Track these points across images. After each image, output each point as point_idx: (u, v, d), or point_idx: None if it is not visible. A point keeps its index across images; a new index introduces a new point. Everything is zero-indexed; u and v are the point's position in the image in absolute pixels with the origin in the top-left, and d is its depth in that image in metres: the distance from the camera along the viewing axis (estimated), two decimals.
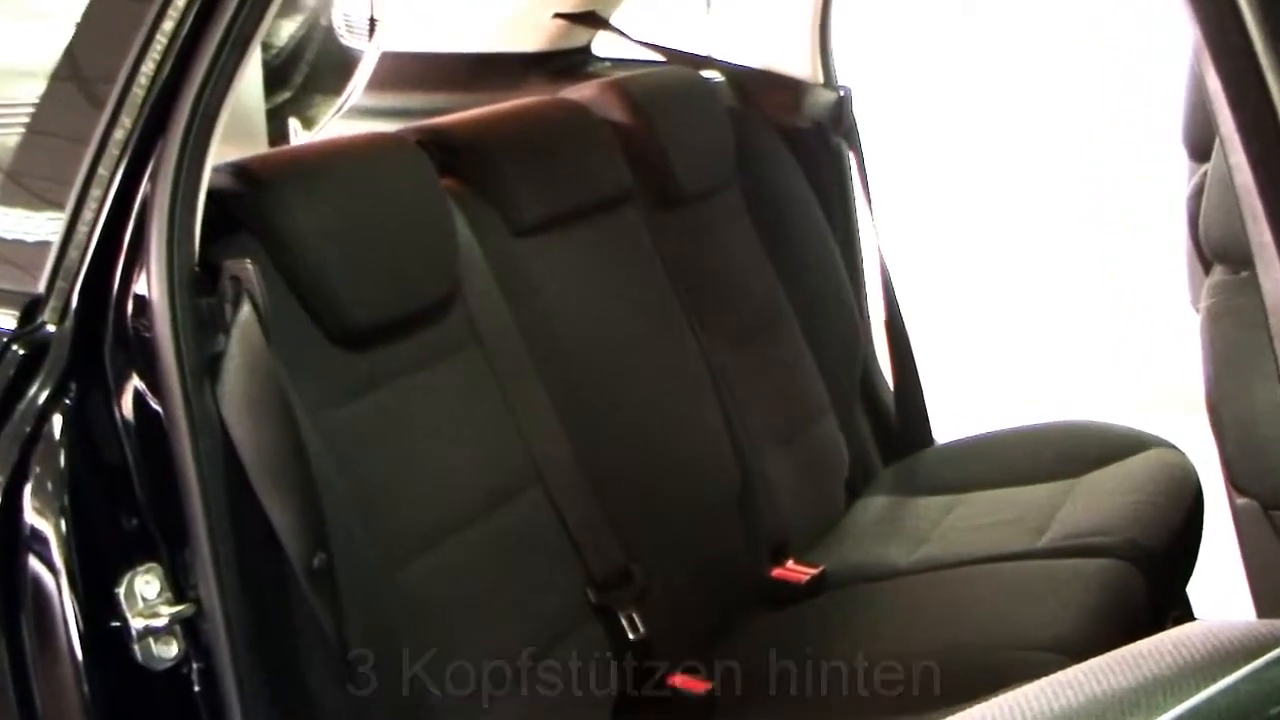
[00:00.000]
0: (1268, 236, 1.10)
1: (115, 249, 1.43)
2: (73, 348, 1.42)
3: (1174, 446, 2.45)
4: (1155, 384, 3.84)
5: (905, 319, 2.71)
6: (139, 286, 1.42)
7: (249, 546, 1.46)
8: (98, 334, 1.43)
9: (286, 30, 2.42)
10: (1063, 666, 0.90)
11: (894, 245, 2.76)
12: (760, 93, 2.69)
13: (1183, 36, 1.17)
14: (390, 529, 1.68)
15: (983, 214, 5.05)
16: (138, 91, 1.42)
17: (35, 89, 1.51)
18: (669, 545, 2.07)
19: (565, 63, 2.83)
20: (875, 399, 2.76)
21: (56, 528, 1.39)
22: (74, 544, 1.40)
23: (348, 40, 2.47)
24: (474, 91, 2.63)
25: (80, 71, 1.49)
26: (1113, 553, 2.12)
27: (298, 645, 1.54)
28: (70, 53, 1.50)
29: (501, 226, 2.03)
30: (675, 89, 2.50)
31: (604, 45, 2.86)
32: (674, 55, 2.71)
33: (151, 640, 1.41)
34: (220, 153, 1.48)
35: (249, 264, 1.47)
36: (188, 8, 1.40)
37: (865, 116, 2.76)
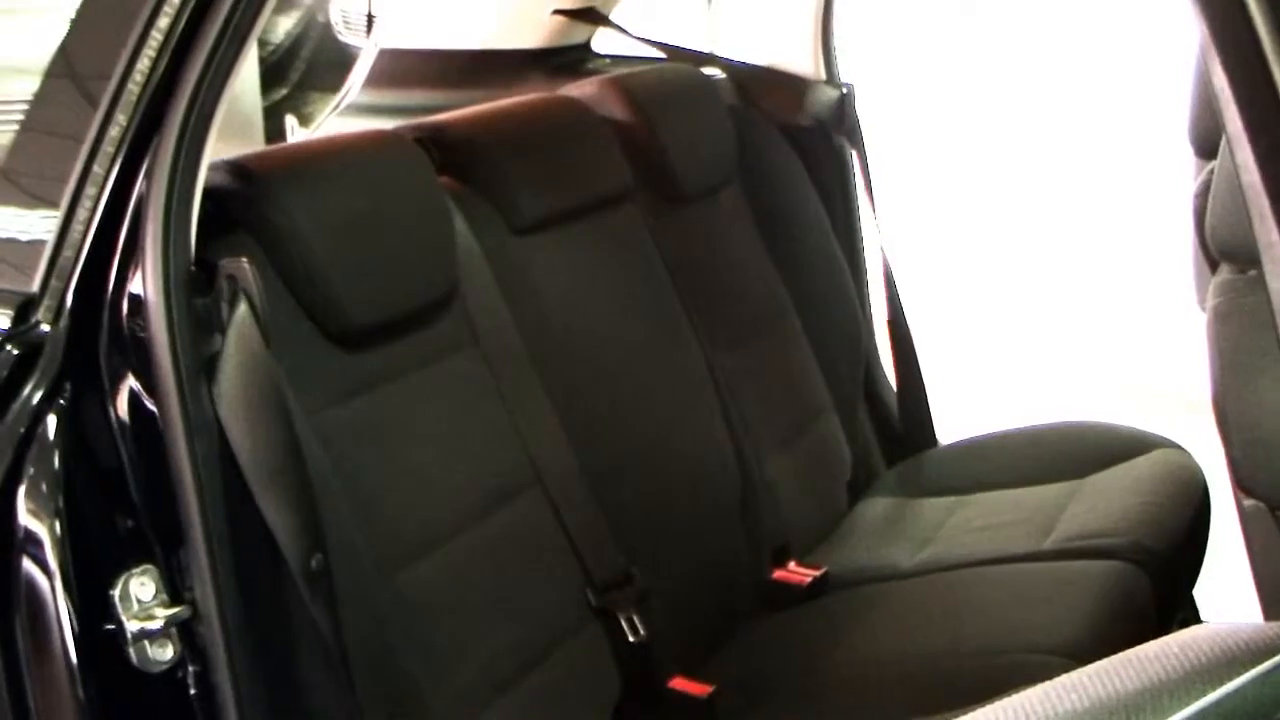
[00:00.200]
0: (1275, 235, 1.10)
1: (110, 248, 1.43)
2: (67, 348, 1.42)
3: (1180, 447, 2.45)
4: (1159, 384, 3.84)
5: (908, 318, 2.71)
6: (134, 286, 1.42)
7: (245, 548, 1.46)
8: (93, 334, 1.43)
9: (283, 27, 2.42)
10: (1068, 669, 0.90)
11: (897, 244, 2.76)
12: (762, 90, 2.69)
13: (1189, 32, 1.17)
14: (388, 530, 1.68)
15: (985, 213, 5.05)
16: (133, 88, 1.42)
17: (29, 86, 1.51)
18: (669, 547, 2.07)
19: (565, 60, 2.83)
20: (878, 399, 2.76)
21: (51, 529, 1.39)
22: (69, 546, 1.40)
23: (345, 37, 2.47)
24: (473, 89, 2.63)
25: (75, 68, 1.49)
26: (1118, 554, 2.12)
27: (294, 648, 1.54)
28: (65, 49, 1.49)
29: (500, 225, 2.03)
30: (676, 86, 2.50)
31: (604, 42, 2.86)
32: (675, 52, 2.71)
33: (147, 643, 1.41)
34: (216, 150, 1.48)
35: (246, 263, 1.47)
36: (183, 4, 1.40)
37: (868, 114, 2.76)
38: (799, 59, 2.74)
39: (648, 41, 2.72)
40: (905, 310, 2.71)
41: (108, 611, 1.41)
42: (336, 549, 1.53)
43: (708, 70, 2.67)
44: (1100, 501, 2.30)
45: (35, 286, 1.43)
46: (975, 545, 2.27)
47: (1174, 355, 3.32)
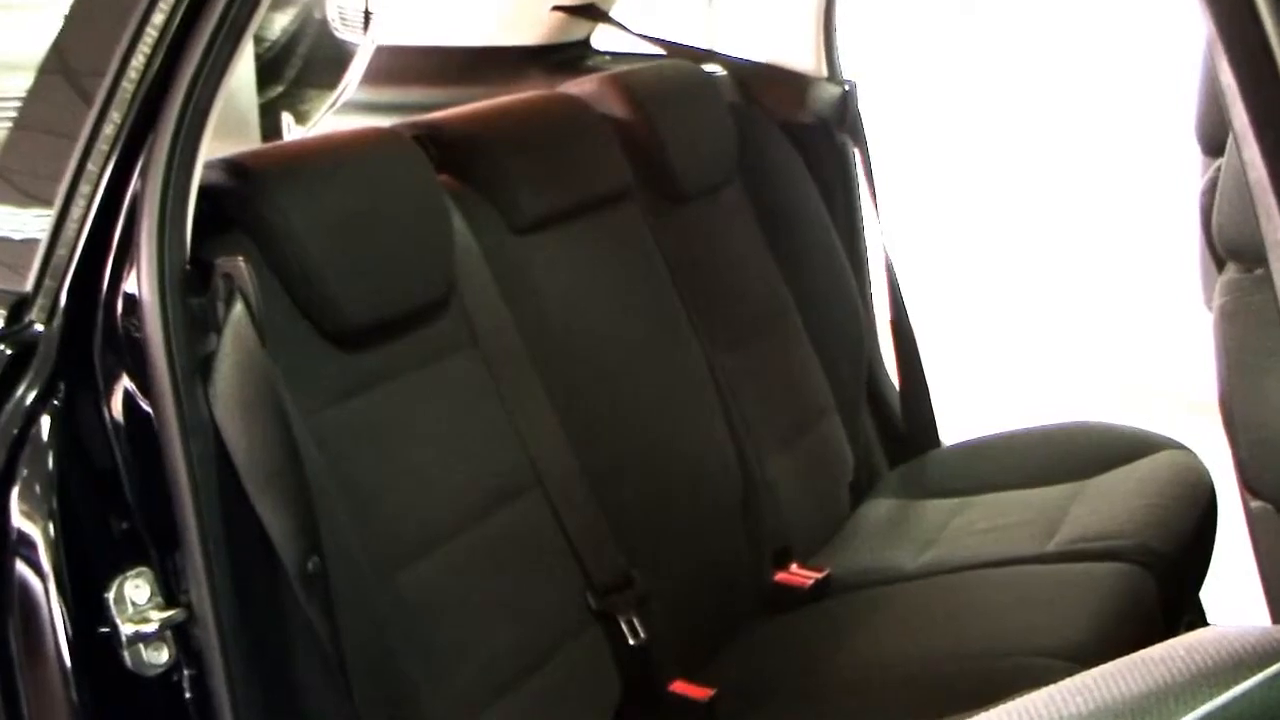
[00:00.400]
0: None
1: (105, 247, 1.43)
2: (61, 347, 1.42)
3: (1185, 448, 2.45)
4: (1164, 384, 3.84)
5: (911, 318, 2.71)
6: (129, 285, 1.42)
7: (241, 550, 1.46)
8: (87, 333, 1.43)
9: (280, 23, 2.43)
10: (1072, 673, 0.90)
11: (900, 243, 2.76)
12: (763, 87, 2.69)
13: (1195, 28, 1.17)
14: (386, 532, 1.68)
15: (989, 211, 5.05)
16: (127, 86, 1.42)
17: (22, 82, 1.51)
18: (670, 549, 2.07)
19: (564, 56, 2.83)
20: (880, 400, 2.76)
21: (45, 531, 1.39)
22: (63, 548, 1.40)
23: (342, 33, 2.47)
24: (471, 86, 2.63)
25: (69, 64, 1.49)
26: (1124, 556, 2.12)
27: (291, 651, 1.54)
28: (59, 45, 1.49)
29: (499, 224, 2.03)
30: (676, 84, 2.50)
31: (604, 39, 2.86)
32: (675, 49, 2.71)
33: (142, 646, 1.41)
34: (212, 148, 1.48)
35: (242, 262, 1.47)
36: (178, 0, 1.40)
37: (871, 113, 2.76)
38: (800, 56, 2.74)
39: (648, 38, 2.72)
40: (908, 309, 2.71)
41: (102, 614, 1.41)
42: (333, 551, 1.52)
43: (708, 67, 2.67)
44: (1105, 503, 2.30)
45: (29, 286, 1.43)
46: (979, 547, 2.27)
47: (1180, 355, 3.32)
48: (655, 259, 2.29)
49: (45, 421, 1.40)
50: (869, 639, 2.09)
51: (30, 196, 1.47)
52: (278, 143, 2.37)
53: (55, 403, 1.41)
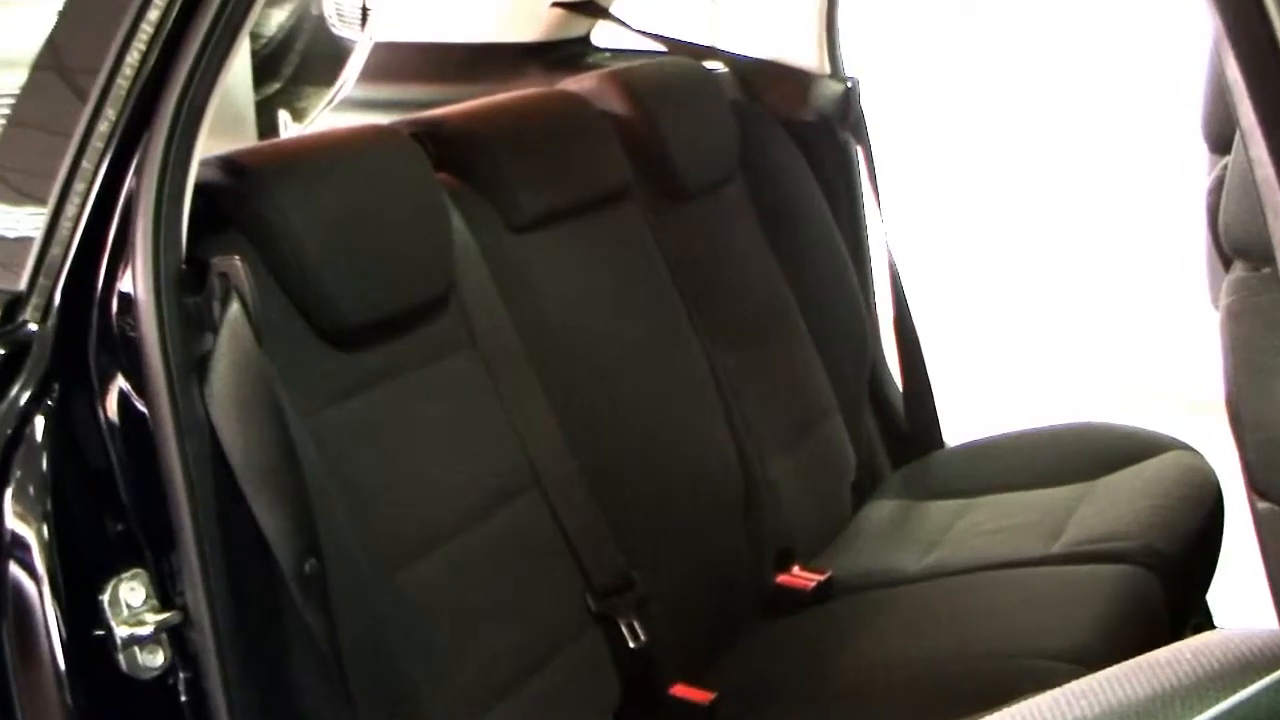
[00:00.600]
0: None
1: (99, 245, 1.43)
2: (55, 347, 1.42)
3: (1192, 449, 2.45)
4: (1171, 384, 3.84)
5: (914, 318, 2.71)
6: (124, 284, 1.42)
7: (238, 552, 1.46)
8: (81, 333, 1.43)
9: (276, 19, 2.43)
10: (1077, 676, 0.90)
11: (903, 242, 2.76)
12: (765, 85, 2.69)
13: (1201, 24, 1.17)
14: (383, 533, 1.68)
15: (993, 210, 5.05)
16: (122, 83, 1.42)
17: (16, 79, 1.51)
18: (670, 550, 2.07)
19: (564, 53, 2.82)
20: (883, 400, 2.76)
21: (39, 533, 1.39)
22: (57, 550, 1.40)
23: (339, 30, 2.47)
24: (470, 83, 2.63)
25: (63, 62, 1.49)
26: (1130, 559, 2.12)
27: (288, 654, 1.54)
28: (53, 42, 1.49)
29: (498, 222, 2.03)
30: (677, 81, 2.50)
31: (604, 35, 2.86)
32: (676, 46, 2.71)
33: (137, 649, 1.41)
34: (208, 146, 1.48)
35: (238, 261, 1.47)
36: None
37: (874, 110, 2.76)
38: (803, 53, 2.74)
39: (648, 35, 2.72)
40: (911, 309, 2.70)
41: (97, 617, 1.41)
42: (331, 552, 1.53)
43: (710, 64, 2.67)
44: (1111, 504, 2.30)
45: (22, 285, 1.43)
46: (983, 549, 2.27)
47: (1187, 355, 3.33)
48: (655, 258, 2.29)
49: (39, 422, 1.40)
50: (872, 642, 2.09)
51: (24, 194, 1.47)
52: (274, 140, 2.37)
53: (49, 403, 1.41)
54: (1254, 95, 1.10)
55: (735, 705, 1.98)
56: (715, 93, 2.54)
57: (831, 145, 2.73)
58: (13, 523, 1.40)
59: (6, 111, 1.51)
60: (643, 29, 2.72)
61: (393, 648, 1.62)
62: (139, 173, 1.41)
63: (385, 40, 2.61)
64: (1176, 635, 2.09)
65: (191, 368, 1.43)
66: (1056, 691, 0.88)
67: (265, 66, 2.41)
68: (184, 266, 1.44)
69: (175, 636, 1.43)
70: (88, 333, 1.43)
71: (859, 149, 2.73)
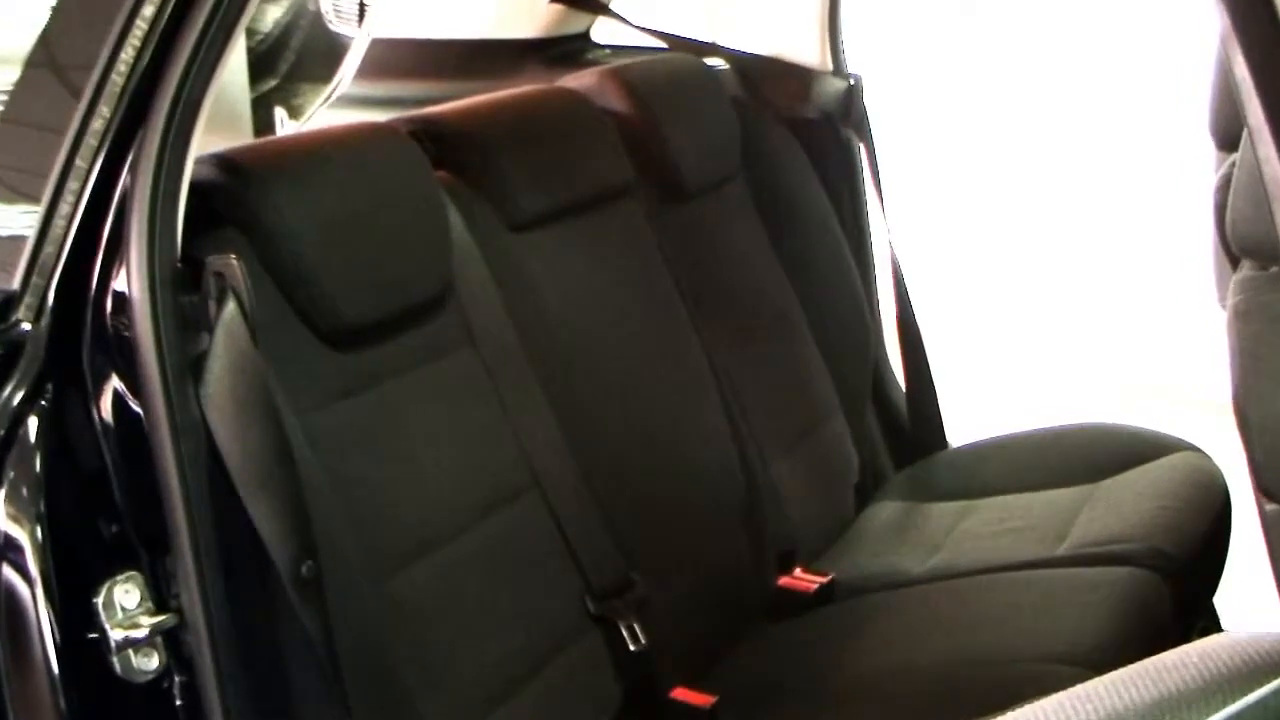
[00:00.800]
0: None
1: (94, 244, 1.43)
2: (49, 347, 1.42)
3: (1199, 450, 2.45)
4: (1177, 384, 3.84)
5: (918, 317, 2.71)
6: (118, 283, 1.42)
7: (233, 554, 1.46)
8: (75, 333, 1.43)
9: (272, 15, 2.43)
10: (1082, 679, 0.90)
11: (906, 241, 2.76)
12: (767, 81, 2.69)
13: (1208, 21, 1.17)
14: (381, 536, 1.68)
15: (997, 208, 5.05)
16: (117, 79, 1.42)
17: (9, 75, 1.51)
18: (671, 553, 2.07)
19: (563, 50, 2.82)
20: (886, 400, 2.76)
21: (32, 535, 1.39)
22: (50, 552, 1.39)
23: (336, 26, 2.47)
24: (468, 80, 2.63)
25: (56, 58, 1.49)
26: (1135, 561, 2.12)
27: (285, 657, 1.54)
28: (46, 38, 1.49)
29: (497, 221, 2.03)
30: (678, 78, 2.50)
31: (603, 31, 2.86)
32: (677, 42, 2.70)
33: (131, 652, 1.41)
34: (203, 143, 1.48)
35: (234, 260, 1.47)
36: None
37: (877, 107, 2.76)
38: (805, 49, 2.73)
39: (649, 31, 2.72)
40: (914, 308, 2.70)
41: (91, 620, 1.41)
42: (328, 554, 1.53)
43: (711, 61, 2.67)
44: (1116, 506, 2.30)
45: (15, 284, 1.43)
46: (987, 551, 2.27)
47: (1194, 355, 3.32)
48: (656, 257, 2.29)
49: (33, 423, 1.40)
50: (874, 645, 2.09)
51: (17, 193, 1.47)
52: (271, 138, 2.37)
53: (43, 403, 1.41)
54: (1262, 93, 1.10)
55: (737, 709, 1.98)
56: (716, 90, 2.54)
57: (834, 143, 2.73)
58: (6, 524, 1.40)
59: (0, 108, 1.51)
60: (643, 25, 2.72)
61: (390, 651, 1.62)
62: (134, 171, 1.41)
63: (383, 36, 2.62)
64: (1183, 638, 2.08)
65: (187, 368, 1.43)
66: (1061, 695, 0.88)
67: (261, 63, 2.41)
68: (179, 265, 1.44)
69: (170, 640, 1.43)
70: (82, 332, 1.43)
71: (861, 146, 2.73)
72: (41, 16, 1.50)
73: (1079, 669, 1.82)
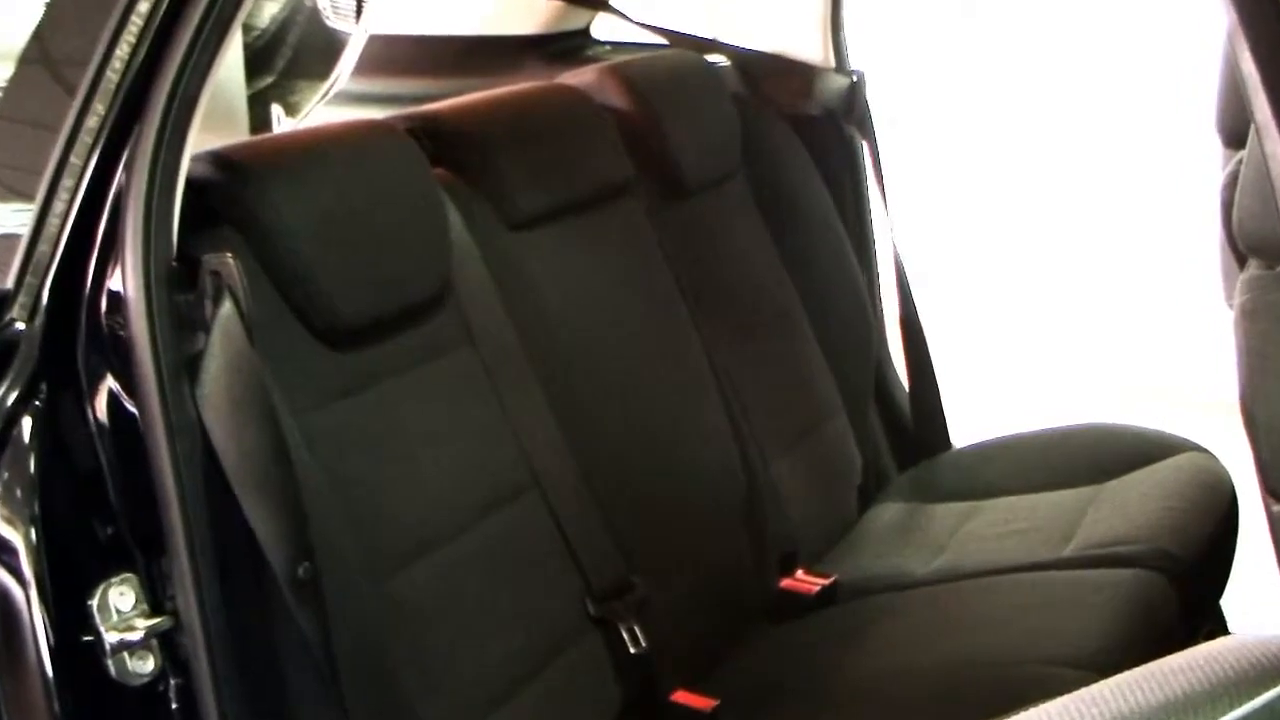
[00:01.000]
0: None
1: (88, 242, 1.43)
2: (43, 347, 1.42)
3: (1206, 450, 2.45)
4: (1184, 384, 3.84)
5: (921, 316, 2.71)
6: (113, 282, 1.42)
7: (230, 556, 1.46)
8: (70, 332, 1.43)
9: (269, 11, 2.43)
10: (1087, 682, 0.90)
11: (910, 239, 2.76)
12: (768, 78, 2.69)
13: (1213, 17, 1.17)
14: (379, 536, 1.68)
15: (1002, 207, 5.05)
16: (112, 76, 1.41)
17: (2, 72, 1.51)
18: (671, 554, 2.07)
19: (563, 46, 2.83)
20: (889, 400, 2.76)
21: (26, 537, 1.39)
22: (45, 553, 1.39)
23: (333, 22, 2.47)
24: (467, 76, 2.62)
25: (50, 55, 1.49)
26: (1142, 563, 2.12)
27: (281, 660, 1.54)
28: (39, 34, 1.49)
29: (496, 219, 2.03)
30: (679, 74, 2.50)
31: (603, 28, 2.86)
32: (677, 38, 2.70)
33: (126, 655, 1.41)
34: (199, 141, 1.48)
35: (230, 258, 1.47)
36: None
37: (880, 104, 2.76)
38: (807, 46, 2.73)
39: (649, 27, 2.72)
40: (917, 306, 2.70)
41: (85, 622, 1.40)
42: (325, 556, 1.52)
43: (712, 57, 2.66)
44: (1122, 507, 2.30)
45: (10, 283, 1.43)
46: (991, 552, 2.27)
47: (1200, 354, 3.32)
48: (656, 255, 2.29)
49: (26, 423, 1.40)
50: (877, 647, 2.09)
51: (11, 191, 1.47)
52: (267, 135, 2.37)
53: (37, 404, 1.41)
54: (1269, 88, 1.10)
55: (738, 712, 1.97)
56: (717, 86, 2.54)
57: (836, 140, 2.73)
58: (0, 526, 1.40)
59: None
60: (643, 21, 2.72)
61: (388, 653, 1.62)
62: (129, 168, 1.41)
63: (381, 33, 2.62)
64: (1189, 641, 2.08)
65: (182, 368, 1.43)
66: (1065, 699, 0.88)
67: (258, 59, 2.41)
68: (175, 264, 1.44)
69: (165, 642, 1.43)
70: (76, 332, 1.43)
71: (864, 144, 2.73)
72: (36, 12, 1.50)
73: (1084, 672, 1.82)
